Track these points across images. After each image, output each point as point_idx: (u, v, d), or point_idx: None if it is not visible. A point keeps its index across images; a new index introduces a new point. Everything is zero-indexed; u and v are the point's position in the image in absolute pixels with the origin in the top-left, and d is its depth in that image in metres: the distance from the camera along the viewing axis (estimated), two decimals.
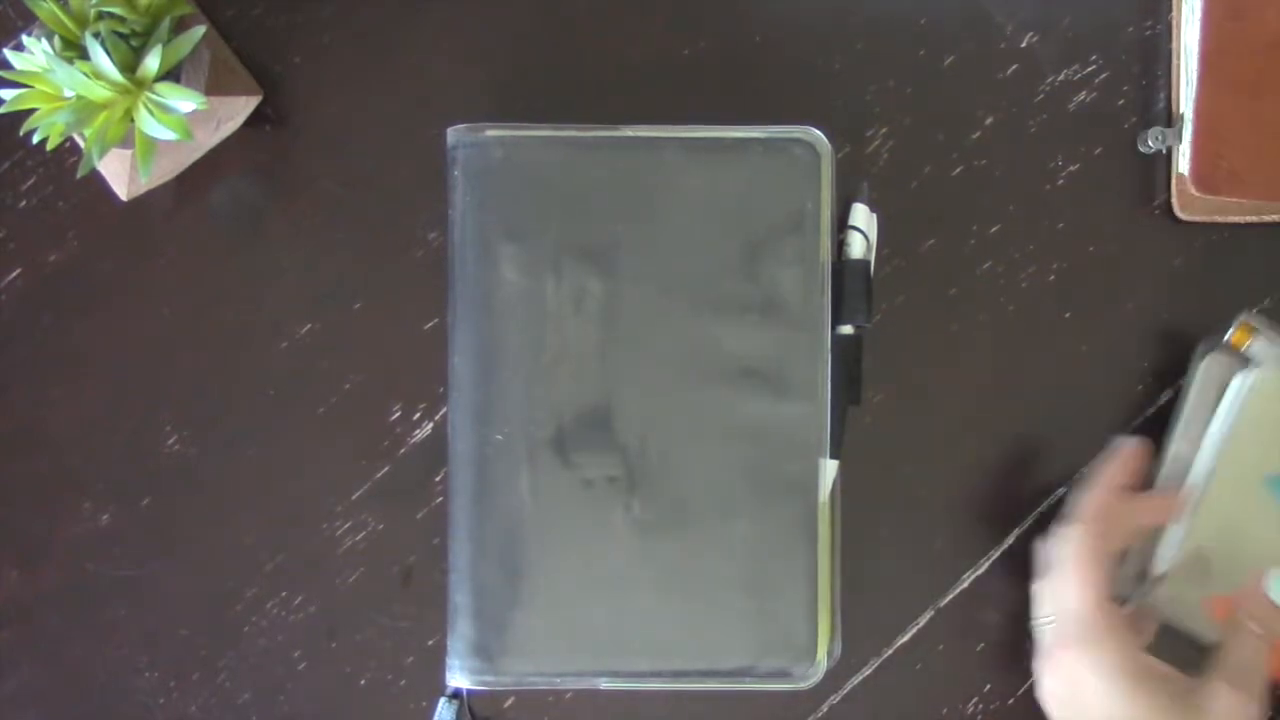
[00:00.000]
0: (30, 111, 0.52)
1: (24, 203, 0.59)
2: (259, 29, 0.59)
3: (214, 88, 0.55)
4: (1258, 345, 0.56)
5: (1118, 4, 0.59)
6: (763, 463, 0.54)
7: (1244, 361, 0.55)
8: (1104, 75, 0.59)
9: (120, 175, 0.57)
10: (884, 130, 0.59)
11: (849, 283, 0.56)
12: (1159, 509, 0.55)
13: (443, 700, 0.58)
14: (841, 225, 0.57)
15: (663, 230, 0.54)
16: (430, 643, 0.58)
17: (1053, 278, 0.59)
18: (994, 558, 0.59)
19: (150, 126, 0.52)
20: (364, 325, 0.59)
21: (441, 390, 0.58)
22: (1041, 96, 0.59)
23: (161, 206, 0.59)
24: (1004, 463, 0.59)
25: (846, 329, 0.56)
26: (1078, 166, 0.59)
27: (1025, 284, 0.59)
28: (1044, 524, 0.58)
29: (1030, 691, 0.59)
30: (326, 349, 0.59)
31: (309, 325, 0.59)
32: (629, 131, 0.54)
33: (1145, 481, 0.56)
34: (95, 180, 0.57)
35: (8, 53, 0.52)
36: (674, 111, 0.57)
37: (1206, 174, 0.56)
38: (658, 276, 0.54)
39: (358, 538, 0.59)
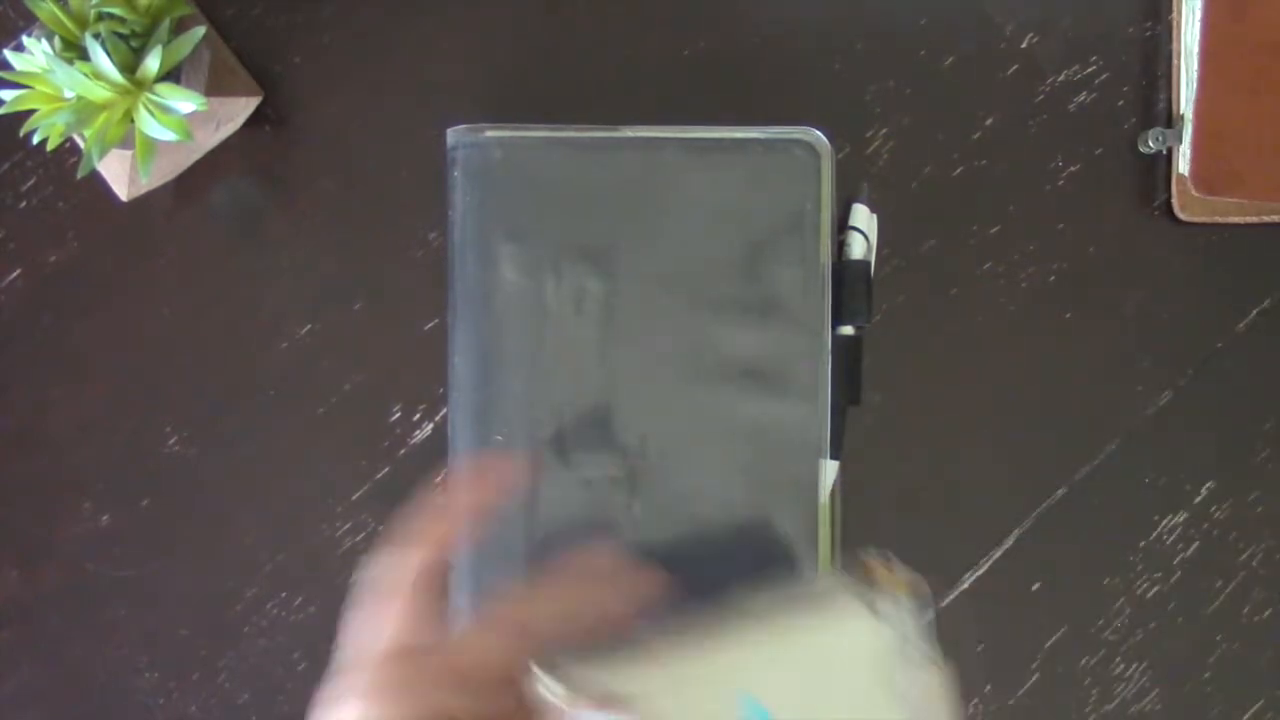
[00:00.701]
0: (30, 112, 0.52)
1: (24, 203, 0.59)
2: (259, 29, 0.59)
3: (214, 88, 0.55)
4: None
5: (1118, 4, 0.59)
6: (763, 463, 0.54)
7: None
8: (1104, 75, 0.59)
9: (120, 176, 0.57)
10: (884, 130, 0.59)
11: (849, 283, 0.56)
12: (493, 476, 0.42)
13: None
14: (842, 226, 0.57)
15: (662, 230, 0.54)
16: None
17: (1053, 278, 0.59)
18: (994, 558, 0.59)
19: (150, 127, 0.52)
20: (364, 325, 0.59)
21: (441, 390, 0.58)
22: (1041, 97, 0.59)
23: (161, 206, 0.59)
24: (1004, 463, 0.59)
25: (847, 329, 0.56)
26: (1078, 167, 0.59)
27: (1025, 284, 0.59)
28: (1044, 524, 0.58)
29: (1030, 691, 0.59)
30: (326, 349, 0.59)
31: (309, 325, 0.59)
32: (629, 131, 0.54)
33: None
34: (95, 181, 0.57)
35: (8, 53, 0.52)
36: (674, 111, 0.57)
37: (1207, 174, 0.56)
38: (658, 277, 0.54)
39: (358, 538, 0.59)
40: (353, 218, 0.59)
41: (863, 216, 0.57)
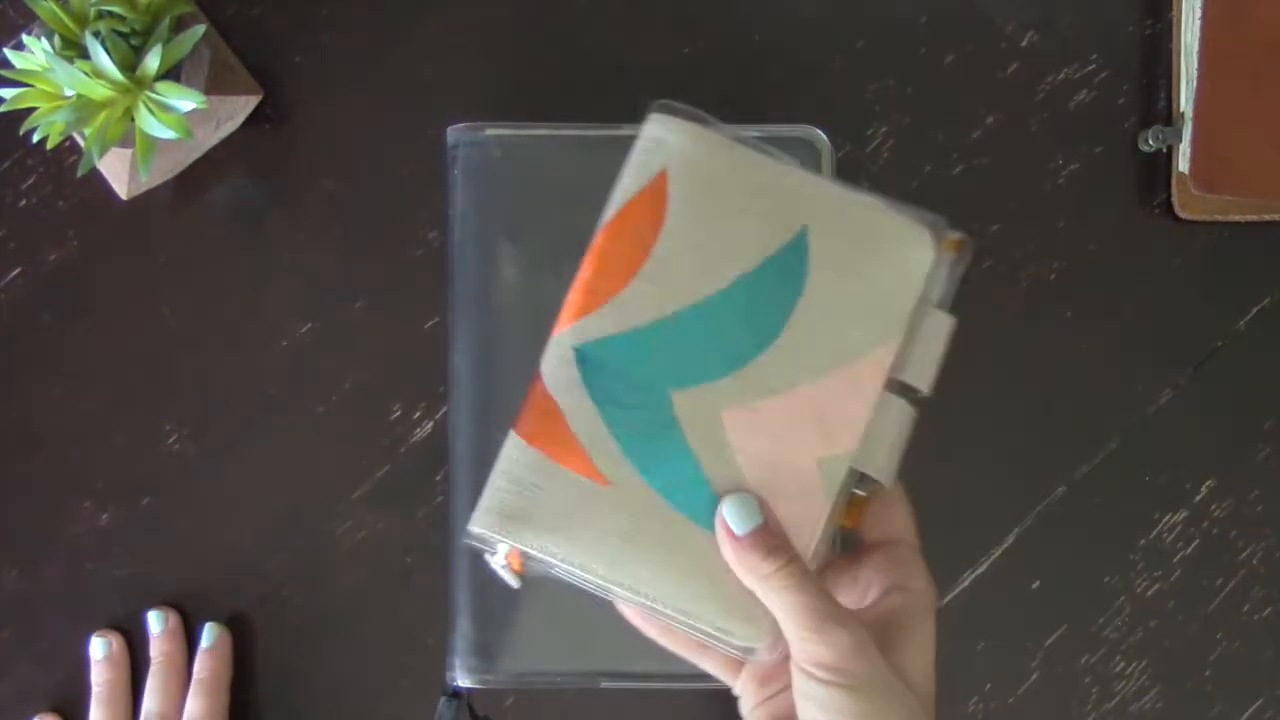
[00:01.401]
0: (30, 110, 0.52)
1: (24, 202, 0.59)
2: (259, 28, 0.59)
3: (214, 87, 0.55)
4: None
5: (1118, 4, 0.59)
6: None
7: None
8: (1104, 75, 0.59)
9: (120, 174, 0.57)
10: (884, 130, 0.59)
11: None
12: None
13: (443, 699, 0.58)
14: None
15: None
16: (430, 643, 0.58)
17: (1053, 277, 0.59)
18: (994, 558, 0.59)
19: (150, 126, 0.52)
20: (364, 325, 0.59)
21: (441, 390, 0.58)
22: (1041, 96, 0.59)
23: (161, 206, 0.59)
24: (1004, 461, 0.59)
25: None
26: (1078, 166, 0.59)
27: (1025, 283, 0.59)
28: (1044, 524, 0.58)
29: (1030, 691, 0.59)
30: (326, 348, 0.59)
31: (309, 325, 0.59)
32: (629, 131, 0.54)
33: None
34: (95, 179, 0.57)
35: (8, 52, 0.52)
36: None
37: (1207, 173, 0.56)
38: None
39: (358, 538, 0.59)
40: (352, 217, 0.59)
41: None
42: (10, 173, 0.59)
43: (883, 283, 0.44)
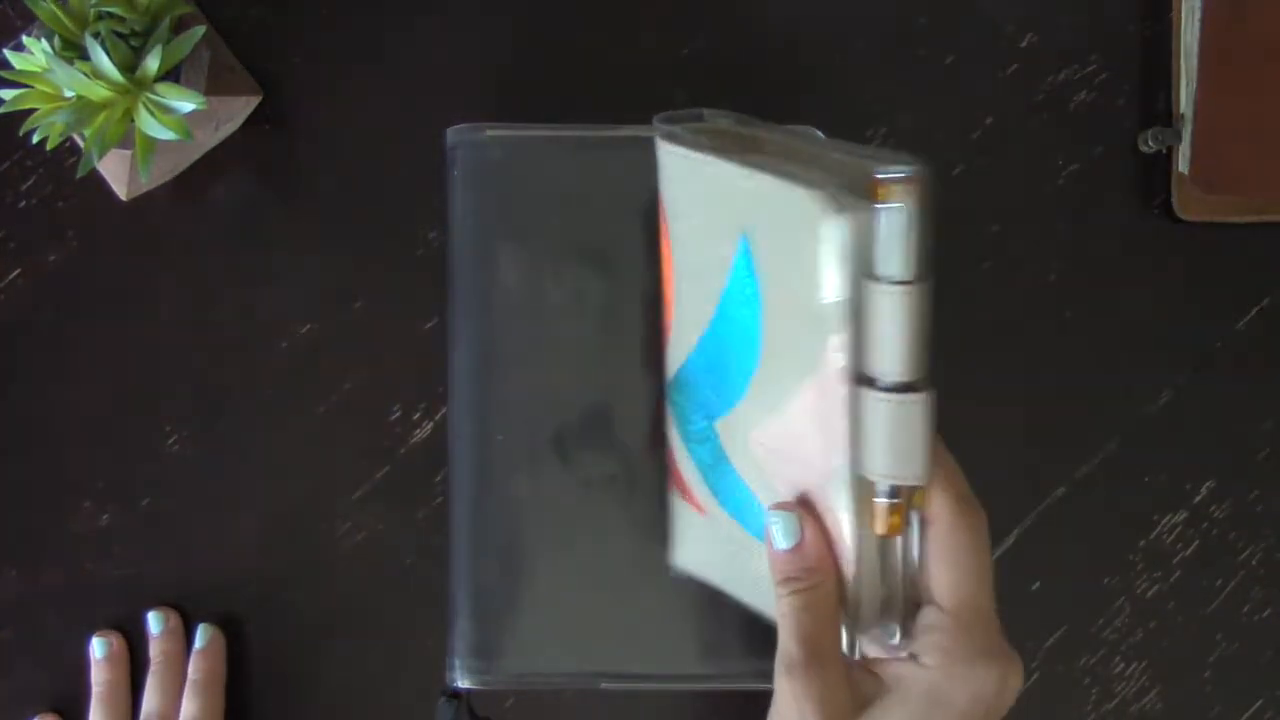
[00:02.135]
0: (30, 111, 0.52)
1: (24, 202, 0.59)
2: (259, 29, 0.59)
3: (214, 88, 0.55)
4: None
5: (1118, 4, 0.59)
6: None
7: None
8: (1104, 75, 0.59)
9: (120, 175, 0.57)
10: (884, 130, 0.59)
11: None
12: None
13: (443, 700, 0.58)
14: None
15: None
16: (430, 643, 0.58)
17: (1052, 277, 0.59)
18: (994, 557, 0.59)
19: (150, 126, 0.52)
20: (364, 325, 0.59)
21: (441, 390, 0.58)
22: (1041, 96, 0.59)
23: (161, 207, 0.59)
24: (1004, 462, 0.59)
25: None
26: (1078, 166, 0.59)
27: (1025, 284, 0.59)
28: (1044, 524, 0.58)
29: (1030, 691, 0.59)
30: (326, 349, 0.59)
31: (309, 325, 0.59)
32: (629, 131, 0.54)
33: None
34: (95, 180, 0.57)
35: (8, 53, 0.52)
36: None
37: (1206, 174, 0.56)
38: (658, 276, 0.54)
39: (358, 538, 0.59)
40: (353, 218, 0.59)
41: None
42: (10, 173, 0.59)
43: (811, 271, 0.38)
